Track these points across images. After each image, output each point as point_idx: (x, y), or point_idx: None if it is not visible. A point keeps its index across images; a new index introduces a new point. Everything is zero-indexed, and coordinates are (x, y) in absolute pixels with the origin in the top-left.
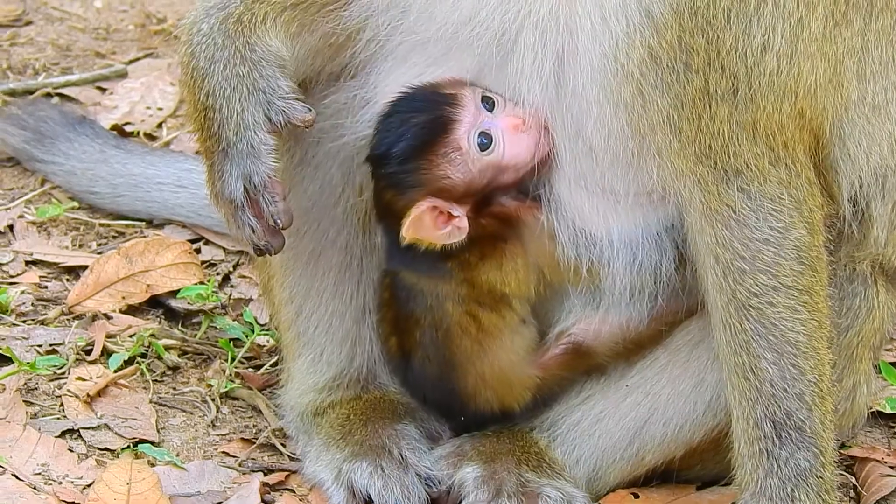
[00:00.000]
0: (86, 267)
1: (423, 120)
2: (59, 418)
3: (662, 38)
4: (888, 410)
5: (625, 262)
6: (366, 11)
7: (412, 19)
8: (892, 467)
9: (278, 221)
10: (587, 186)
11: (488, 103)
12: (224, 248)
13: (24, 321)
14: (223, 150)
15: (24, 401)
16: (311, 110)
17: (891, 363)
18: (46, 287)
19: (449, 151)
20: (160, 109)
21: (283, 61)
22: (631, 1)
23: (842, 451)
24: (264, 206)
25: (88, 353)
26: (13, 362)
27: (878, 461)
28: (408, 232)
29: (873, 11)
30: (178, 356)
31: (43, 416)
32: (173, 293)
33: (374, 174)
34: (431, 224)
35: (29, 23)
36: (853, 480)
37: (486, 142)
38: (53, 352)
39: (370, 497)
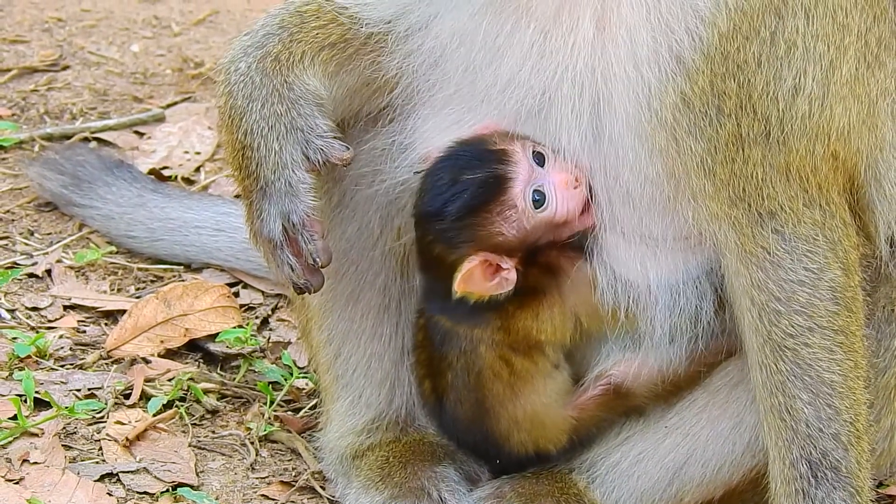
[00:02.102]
0: (124, 311)
1: (478, 178)
2: (97, 462)
3: (695, 83)
4: None
5: (664, 307)
6: (404, 61)
7: (450, 76)
8: None
9: (317, 260)
10: (625, 233)
11: (539, 158)
12: (262, 292)
13: (62, 366)
14: (261, 189)
15: (63, 445)
16: (349, 148)
17: None
18: (85, 331)
19: (504, 210)
20: (198, 154)
21: (321, 100)
22: (663, 49)
23: (878, 490)
24: (303, 244)
25: (127, 396)
26: (52, 407)
27: None
28: (459, 286)
29: None
30: (217, 400)
31: (82, 461)
32: (212, 337)
33: (423, 229)
34: (481, 277)
35: (66, 67)
36: None
37: (539, 199)
38: (92, 396)
39: None
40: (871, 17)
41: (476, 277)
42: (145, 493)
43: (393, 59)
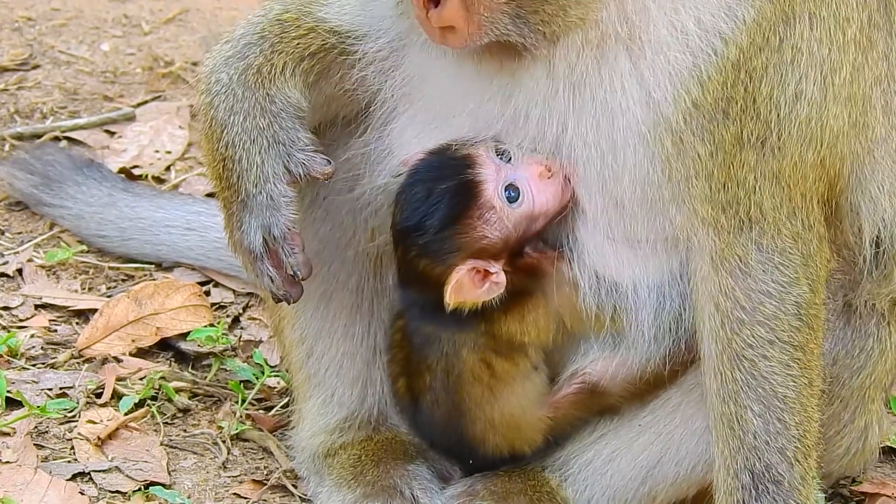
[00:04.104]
0: (95, 310)
1: (451, 187)
2: (69, 461)
3: (707, 91)
4: None
5: (648, 309)
6: (383, 76)
7: (433, 95)
8: None
9: (298, 273)
10: (611, 235)
11: (503, 156)
12: (234, 291)
13: (33, 365)
14: (242, 202)
15: (34, 444)
16: (330, 162)
17: None
18: (56, 331)
19: (483, 213)
20: (168, 153)
21: (302, 113)
22: (683, 66)
23: (852, 488)
24: (284, 257)
25: (99, 396)
26: (23, 406)
27: (888, 496)
28: (451, 298)
29: (893, 29)
30: (189, 398)
31: (54, 460)
32: (183, 336)
33: (405, 245)
34: (471, 285)
35: (36, 66)
36: None
37: (514, 194)
38: (64, 395)
39: None
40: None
41: (466, 286)
42: (117, 491)
43: (371, 73)
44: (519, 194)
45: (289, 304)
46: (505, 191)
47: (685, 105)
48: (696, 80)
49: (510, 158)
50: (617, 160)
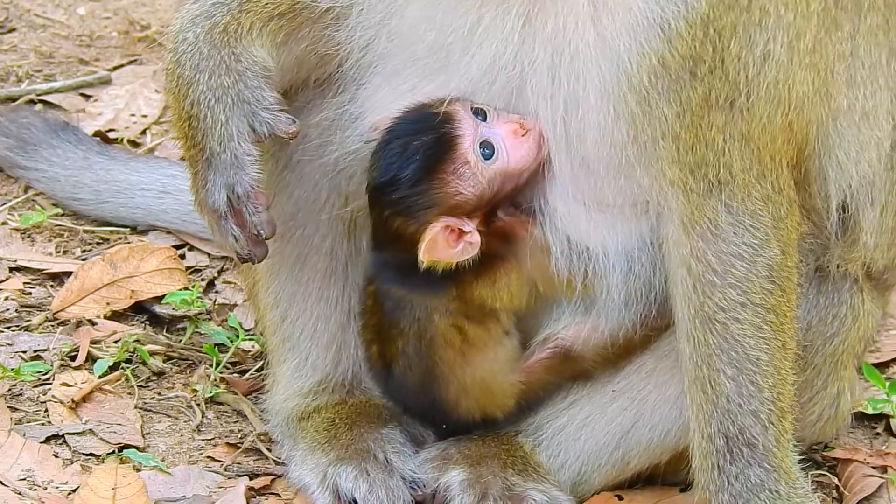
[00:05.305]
0: (70, 273)
1: (426, 140)
2: (43, 424)
3: (674, 49)
4: (870, 411)
5: (619, 274)
6: (361, 34)
7: (406, 38)
8: (874, 468)
9: (261, 232)
10: (581, 199)
11: (480, 114)
12: (208, 254)
13: (8, 327)
14: (207, 160)
15: (8, 407)
16: (294, 122)
17: (873, 364)
18: (31, 293)
19: (458, 167)
20: (144, 116)
21: (268, 72)
22: (650, 17)
23: (825, 454)
24: (247, 216)
25: (73, 358)
26: None
27: (860, 462)
28: (425, 256)
29: (861, 12)
30: (163, 362)
31: (28, 422)
32: (158, 299)
33: (379, 203)
34: (445, 244)
35: (12, 30)
36: (836, 481)
37: (489, 151)
38: (38, 358)
39: (355, 500)
40: None
41: (440, 244)
42: (91, 454)
43: (347, 32)
44: (493, 151)
45: (253, 263)
46: (480, 147)
47: (650, 63)
48: (662, 36)
49: (486, 116)
50: (586, 120)
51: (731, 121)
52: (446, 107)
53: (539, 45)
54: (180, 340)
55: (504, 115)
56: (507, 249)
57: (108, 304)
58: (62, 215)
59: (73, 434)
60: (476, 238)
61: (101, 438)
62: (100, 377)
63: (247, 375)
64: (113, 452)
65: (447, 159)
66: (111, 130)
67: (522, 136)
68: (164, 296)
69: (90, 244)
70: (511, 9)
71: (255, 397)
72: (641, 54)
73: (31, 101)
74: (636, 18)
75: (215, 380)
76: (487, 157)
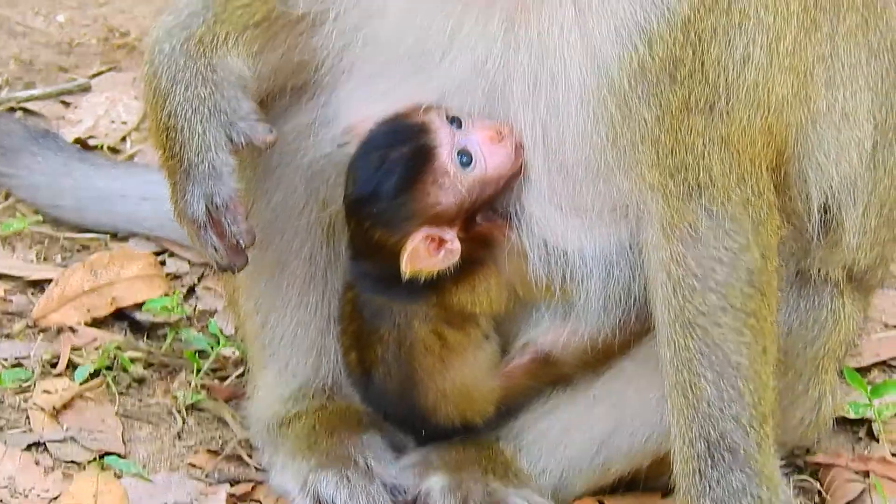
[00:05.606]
0: (51, 280)
1: (404, 152)
2: (25, 431)
3: (655, 51)
4: (852, 416)
5: (597, 278)
6: (337, 39)
7: (384, 41)
8: (856, 472)
9: (241, 241)
10: (559, 203)
11: (456, 122)
12: (189, 261)
13: None
14: (185, 171)
15: None
16: (272, 131)
17: (854, 369)
18: (11, 301)
19: (437, 178)
20: (124, 123)
21: (244, 82)
22: (634, 20)
23: (806, 458)
24: (226, 226)
25: (54, 366)
26: None
27: (842, 467)
28: (407, 266)
29: (840, 12)
30: (144, 368)
31: (9, 430)
32: (138, 305)
33: (358, 215)
34: (426, 253)
35: None
36: (818, 486)
37: (467, 159)
38: (19, 365)
39: None
40: None
41: (422, 254)
42: (72, 461)
43: (321, 38)
44: (472, 159)
45: (234, 273)
46: (458, 156)
47: (631, 66)
48: (644, 38)
49: (461, 124)
50: (565, 124)
51: (710, 124)
52: (422, 116)
53: (522, 49)
54: (161, 347)
55: (480, 121)
56: (485, 254)
57: (88, 310)
58: (43, 222)
59: (55, 441)
60: (457, 245)
61: (82, 446)
62: (81, 384)
63: (227, 382)
64: (94, 459)
65: (426, 171)
66: (91, 137)
67: (499, 142)
68: (144, 302)
69: (70, 251)
70: (494, 13)
71: (235, 404)
72: (623, 58)
73: (12, 109)
74: (621, 21)
75: (196, 386)
76: (466, 165)
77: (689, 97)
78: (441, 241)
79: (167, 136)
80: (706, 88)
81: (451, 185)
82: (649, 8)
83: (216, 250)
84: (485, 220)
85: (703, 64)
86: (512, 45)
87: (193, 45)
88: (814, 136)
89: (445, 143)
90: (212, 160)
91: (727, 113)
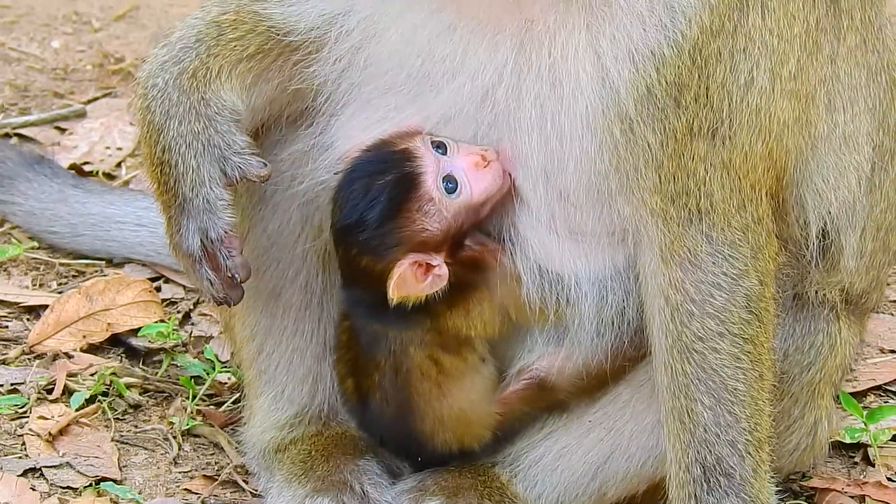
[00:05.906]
0: (46, 306)
1: (389, 180)
2: (21, 457)
3: (662, 76)
4: (848, 441)
5: (592, 302)
6: (332, 67)
7: (384, 65)
8: (852, 497)
9: (236, 275)
10: (555, 228)
11: (440, 148)
12: (184, 287)
13: None
14: (180, 205)
15: None
16: (266, 165)
17: (850, 393)
18: (7, 327)
19: (423, 205)
20: (119, 149)
21: (238, 115)
22: (645, 44)
23: (802, 483)
24: (221, 260)
25: (50, 392)
26: None
27: (838, 491)
28: (394, 293)
29: (840, 33)
30: (140, 394)
31: (5, 456)
32: (134, 331)
33: (345, 243)
34: (413, 279)
35: None
36: None
37: (452, 185)
38: (15, 391)
39: None
40: (812, 1)
41: (409, 280)
42: (68, 487)
43: (318, 66)
44: (457, 185)
45: (229, 306)
46: (443, 182)
47: (639, 91)
48: (655, 62)
49: (446, 150)
50: (567, 150)
51: (713, 149)
52: (406, 142)
53: (533, 74)
54: (157, 373)
55: (464, 146)
56: (478, 278)
57: (84, 336)
58: (38, 248)
59: (51, 467)
60: (444, 271)
61: (78, 471)
62: (76, 410)
63: (223, 408)
64: (90, 485)
65: (412, 198)
66: (86, 163)
67: (484, 167)
68: (140, 328)
69: (66, 277)
70: (505, 38)
71: (231, 429)
72: (633, 82)
73: (7, 135)
74: (634, 45)
75: (192, 412)
76: (451, 192)
77: (693, 122)
78: (428, 267)
79: (161, 171)
80: (710, 113)
81: (436, 212)
82: (661, 31)
83: (212, 284)
84: (476, 243)
85: (707, 88)
86: (522, 71)
87: (187, 80)
88: (813, 161)
89: (430, 169)
90: (206, 195)
91: (729, 138)
